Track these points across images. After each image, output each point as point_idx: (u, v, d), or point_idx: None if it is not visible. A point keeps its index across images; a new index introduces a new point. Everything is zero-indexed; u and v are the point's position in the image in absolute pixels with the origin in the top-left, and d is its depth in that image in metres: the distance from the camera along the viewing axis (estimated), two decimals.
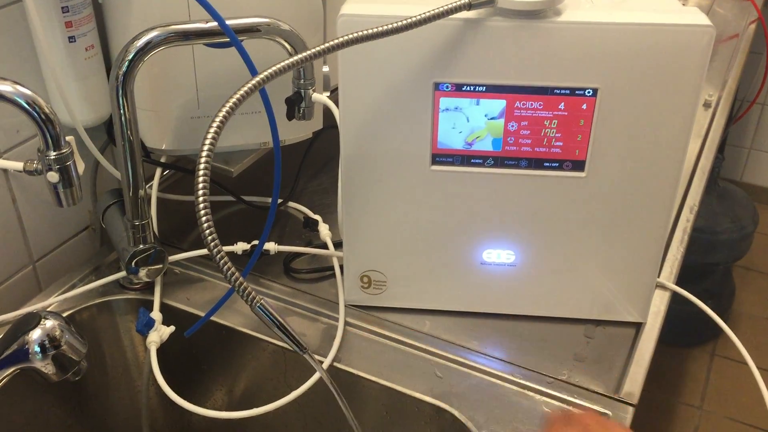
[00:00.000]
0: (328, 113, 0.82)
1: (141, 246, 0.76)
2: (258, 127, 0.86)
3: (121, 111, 0.69)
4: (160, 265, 0.79)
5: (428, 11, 0.59)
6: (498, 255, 0.74)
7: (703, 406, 1.75)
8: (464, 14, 0.63)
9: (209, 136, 0.50)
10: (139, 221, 0.76)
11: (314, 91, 0.77)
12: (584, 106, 0.66)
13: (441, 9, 0.60)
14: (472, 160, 0.70)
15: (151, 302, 0.80)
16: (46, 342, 0.56)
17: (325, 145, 0.97)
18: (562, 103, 0.66)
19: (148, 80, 0.78)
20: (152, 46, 0.68)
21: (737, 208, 1.87)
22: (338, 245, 0.89)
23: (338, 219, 0.77)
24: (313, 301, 0.81)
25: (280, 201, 0.97)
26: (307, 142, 0.96)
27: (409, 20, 0.59)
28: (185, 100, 0.81)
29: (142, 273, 0.78)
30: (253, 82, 0.54)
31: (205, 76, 0.80)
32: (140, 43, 0.67)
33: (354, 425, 0.54)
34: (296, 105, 0.77)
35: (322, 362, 0.73)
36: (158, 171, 0.88)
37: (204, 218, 0.48)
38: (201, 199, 0.48)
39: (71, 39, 0.73)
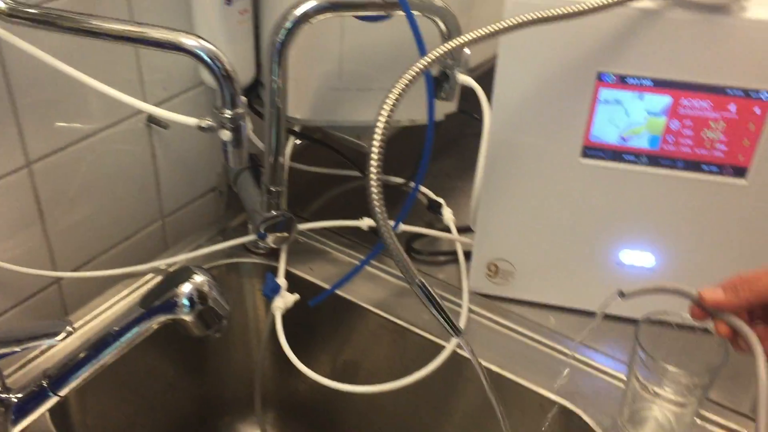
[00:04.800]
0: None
1: (273, 212, 0.77)
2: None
3: (274, 78, 0.69)
4: (287, 233, 0.79)
5: None
6: (637, 257, 0.72)
7: None
8: (641, 3, 0.60)
9: (384, 113, 0.49)
10: (275, 187, 0.76)
11: (460, 72, 0.76)
12: (757, 110, 0.62)
13: None
14: (625, 156, 0.67)
15: (276, 268, 0.80)
16: (195, 296, 0.56)
17: (448, 128, 0.95)
18: (733, 105, 0.62)
19: (293, 48, 0.78)
20: (310, 14, 0.68)
21: None
22: (461, 230, 0.88)
23: (471, 203, 0.76)
24: (435, 284, 0.81)
25: (402, 181, 0.96)
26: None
27: (587, 6, 0.57)
28: (327, 70, 0.81)
29: (270, 239, 0.79)
30: (429, 58, 0.53)
31: (351, 49, 0.79)
32: (299, 11, 0.68)
33: (501, 416, 0.53)
34: (441, 85, 0.76)
35: (444, 347, 0.72)
36: (291, 140, 0.88)
37: (375, 195, 0.47)
38: (374, 173, 0.47)
39: (227, 1, 0.74)
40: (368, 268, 0.82)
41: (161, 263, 0.80)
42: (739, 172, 0.65)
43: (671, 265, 0.71)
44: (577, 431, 0.67)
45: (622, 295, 0.55)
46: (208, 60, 0.51)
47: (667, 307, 0.62)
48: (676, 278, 0.72)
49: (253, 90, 0.86)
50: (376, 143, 0.49)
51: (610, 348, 0.73)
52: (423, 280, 0.48)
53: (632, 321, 0.75)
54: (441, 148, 1.06)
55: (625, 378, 0.66)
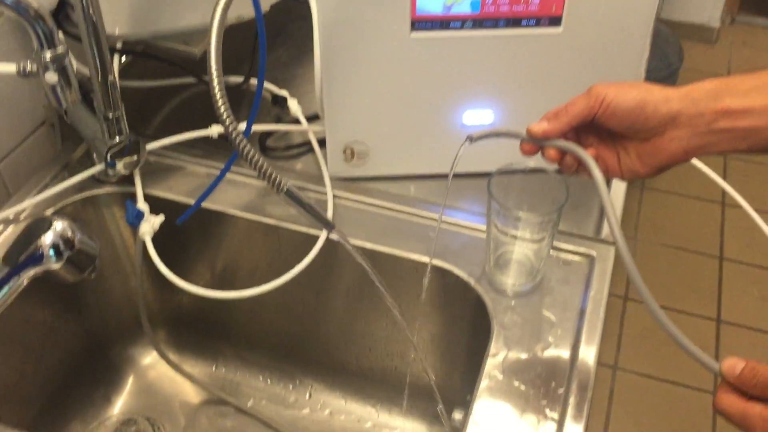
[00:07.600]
0: None
1: (117, 138, 0.75)
2: (212, 4, 0.82)
3: None
4: (136, 156, 0.77)
5: None
6: (478, 116, 0.76)
7: (637, 236, 1.89)
8: None
9: (218, 12, 0.48)
10: (113, 113, 0.73)
11: None
12: None
13: None
14: (451, 24, 0.70)
15: (133, 194, 0.79)
16: (60, 244, 0.55)
17: (274, 16, 0.94)
18: None
19: None
20: None
21: (664, 45, 1.92)
22: (310, 119, 0.88)
23: (316, 93, 0.77)
24: (296, 176, 0.82)
25: (241, 80, 0.94)
26: None
27: None
28: None
29: (120, 166, 0.77)
30: None
31: None
32: None
33: (382, 288, 0.57)
34: None
35: (318, 237, 0.75)
36: (116, 58, 0.83)
37: (221, 102, 0.47)
38: (216, 79, 0.47)
39: None
40: (226, 174, 0.82)
41: (10, 212, 0.76)
42: (554, 21, 0.70)
43: (508, 117, 0.76)
44: (452, 286, 0.73)
45: (471, 139, 0.59)
46: (10, 4, 0.48)
47: (510, 160, 0.67)
48: (515, 128, 0.78)
49: (61, 10, 0.80)
50: (213, 46, 0.48)
51: (468, 204, 0.79)
52: (290, 187, 0.50)
53: (484, 176, 0.81)
54: (271, 39, 1.04)
55: (485, 229, 0.72)
